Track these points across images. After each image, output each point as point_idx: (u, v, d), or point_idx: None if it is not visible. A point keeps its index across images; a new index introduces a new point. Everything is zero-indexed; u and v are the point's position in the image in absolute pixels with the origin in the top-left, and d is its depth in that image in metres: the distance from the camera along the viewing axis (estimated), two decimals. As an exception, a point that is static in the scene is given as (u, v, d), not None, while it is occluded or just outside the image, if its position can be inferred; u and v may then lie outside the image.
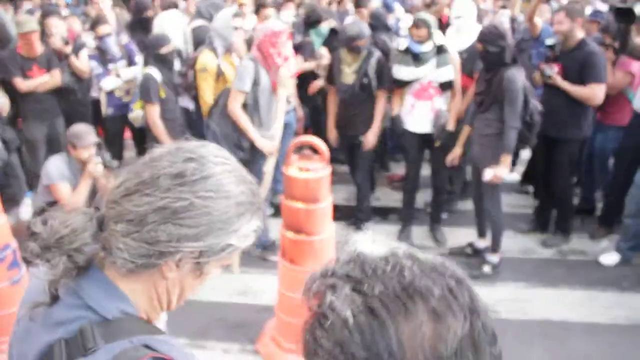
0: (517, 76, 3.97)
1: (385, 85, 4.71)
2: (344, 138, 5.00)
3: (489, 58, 4.04)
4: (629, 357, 3.58)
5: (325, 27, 5.56)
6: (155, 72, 4.48)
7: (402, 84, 4.62)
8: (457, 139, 4.55)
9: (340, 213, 4.79)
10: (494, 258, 4.45)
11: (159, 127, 4.49)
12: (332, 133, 5.00)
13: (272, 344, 3.54)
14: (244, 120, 4.24)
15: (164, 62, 4.53)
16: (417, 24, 4.42)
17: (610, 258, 4.56)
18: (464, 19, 5.01)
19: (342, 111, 4.90)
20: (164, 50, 4.51)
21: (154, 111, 4.48)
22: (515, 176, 4.15)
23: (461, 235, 4.84)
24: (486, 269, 4.44)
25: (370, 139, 4.80)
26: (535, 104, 4.10)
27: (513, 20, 6.61)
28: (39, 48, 5.16)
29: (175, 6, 6.05)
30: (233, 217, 1.00)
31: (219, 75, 4.70)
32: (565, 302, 4.10)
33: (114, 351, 0.92)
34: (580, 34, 4.46)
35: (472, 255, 4.62)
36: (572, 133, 4.55)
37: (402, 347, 0.62)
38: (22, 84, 5.03)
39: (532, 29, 5.31)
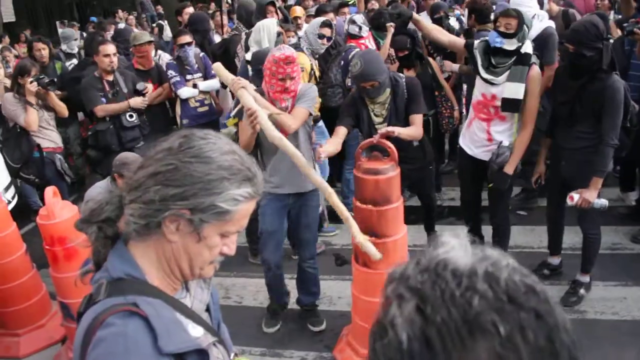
0: (621, 85, 3.43)
1: (421, 110, 3.81)
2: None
3: (582, 62, 3.42)
4: None
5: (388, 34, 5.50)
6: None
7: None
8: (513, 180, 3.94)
9: (415, 215, 4.69)
10: (586, 278, 3.94)
11: None
12: None
13: (348, 349, 3.50)
14: None
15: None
16: (508, 12, 3.71)
17: None
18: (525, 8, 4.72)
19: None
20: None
21: None
22: (604, 202, 3.59)
23: (542, 233, 4.55)
24: (582, 291, 3.90)
25: (397, 129, 3.51)
26: (635, 105, 3.63)
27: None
28: (152, 61, 5.58)
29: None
30: (215, 180, 1.12)
31: (311, 76, 4.87)
32: (661, 301, 3.83)
33: (108, 304, 1.11)
34: None
35: (552, 276, 4.19)
36: None
37: None
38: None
39: (626, 6, 4.83)
